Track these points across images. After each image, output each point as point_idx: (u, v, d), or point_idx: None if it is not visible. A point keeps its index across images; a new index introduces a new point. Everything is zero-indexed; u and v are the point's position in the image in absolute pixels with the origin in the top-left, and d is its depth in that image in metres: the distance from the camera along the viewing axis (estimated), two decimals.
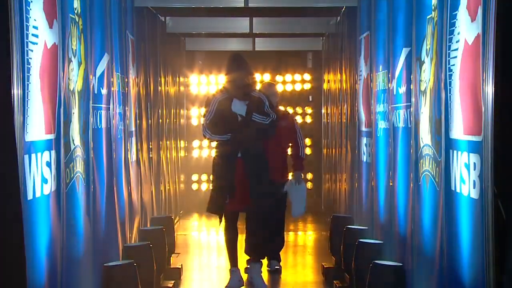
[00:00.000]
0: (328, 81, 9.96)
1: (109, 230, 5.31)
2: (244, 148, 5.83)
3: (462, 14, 3.60)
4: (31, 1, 3.43)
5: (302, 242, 8.77)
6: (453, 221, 3.76)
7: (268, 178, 5.94)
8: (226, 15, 8.67)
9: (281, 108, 7.86)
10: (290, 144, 6.66)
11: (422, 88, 4.47)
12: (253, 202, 5.88)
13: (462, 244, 3.64)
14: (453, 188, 3.75)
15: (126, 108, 6.19)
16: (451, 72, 3.79)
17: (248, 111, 5.79)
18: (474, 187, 3.42)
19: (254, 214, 5.97)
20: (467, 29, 3.54)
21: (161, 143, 8.34)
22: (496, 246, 3.19)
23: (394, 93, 5.33)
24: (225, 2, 7.39)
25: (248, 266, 6.26)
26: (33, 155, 3.44)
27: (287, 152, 6.69)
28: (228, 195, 5.86)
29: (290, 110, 10.55)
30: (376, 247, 5.47)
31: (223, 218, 6.02)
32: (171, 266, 6.57)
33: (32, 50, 3.44)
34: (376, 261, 4.96)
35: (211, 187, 6.15)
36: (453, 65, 3.76)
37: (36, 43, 3.52)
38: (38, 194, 3.51)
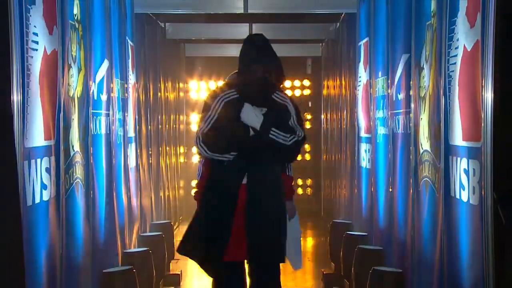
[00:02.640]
0: (328, 87, 9.97)
1: (109, 236, 5.30)
2: (253, 174, 3.99)
3: (461, 21, 3.61)
4: (31, 8, 3.44)
5: (302, 248, 8.76)
6: (453, 227, 3.76)
7: (285, 214, 4.13)
8: (226, 21, 8.69)
9: None
10: None
11: (422, 94, 4.47)
12: (266, 250, 4.03)
13: (461, 250, 3.64)
14: (452, 194, 3.75)
15: (126, 114, 6.19)
16: (450, 78, 3.80)
17: (266, 123, 3.92)
18: (473, 193, 3.42)
19: (267, 266, 4.12)
20: (466, 35, 3.54)
21: (160, 149, 8.34)
22: (496, 252, 3.19)
23: (394, 99, 5.34)
24: (225, 8, 7.40)
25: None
26: (32, 161, 3.44)
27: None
28: (223, 239, 3.98)
29: None
30: (376, 253, 5.47)
31: (212, 273, 4.18)
32: (171, 272, 6.56)
33: (32, 57, 3.45)
34: (376, 267, 4.96)
35: (190, 222, 4.21)
36: (452, 71, 3.76)
37: (36, 50, 3.53)
38: (37, 200, 3.50)
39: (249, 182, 3.97)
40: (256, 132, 3.94)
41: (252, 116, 3.93)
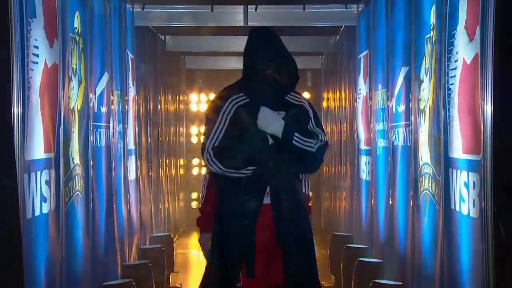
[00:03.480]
0: (328, 99, 9.98)
1: (108, 249, 5.29)
2: (277, 191, 3.39)
3: (461, 34, 3.62)
4: (32, 21, 3.45)
5: None
6: (453, 240, 3.75)
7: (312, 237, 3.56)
8: (226, 34, 8.71)
9: None
10: None
11: (421, 107, 4.48)
12: (304, 276, 3.49)
13: (462, 263, 3.63)
14: (452, 207, 3.74)
15: (126, 126, 6.20)
16: (450, 91, 3.80)
17: (288, 128, 3.37)
18: (473, 206, 3.42)
19: None
20: (465, 48, 3.55)
21: (160, 161, 8.34)
22: (496, 265, 3.19)
23: (393, 111, 5.35)
24: (225, 21, 7.43)
25: None
26: (32, 174, 3.44)
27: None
28: (245, 269, 3.39)
29: None
30: (376, 266, 5.46)
31: None
32: (170, 285, 6.54)
33: (32, 70, 3.46)
34: (376, 280, 4.94)
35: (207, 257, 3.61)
36: (452, 84, 3.77)
37: (37, 63, 3.54)
38: (37, 213, 3.50)
39: (274, 201, 3.37)
40: (275, 140, 3.35)
41: (271, 121, 3.33)
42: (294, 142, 3.35)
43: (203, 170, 10.76)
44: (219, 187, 3.47)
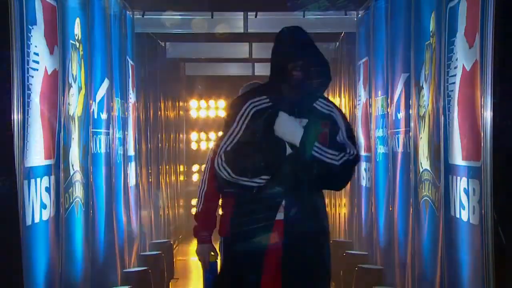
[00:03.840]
0: None
1: (108, 256, 5.28)
2: (291, 206, 3.06)
3: (460, 41, 3.63)
4: (32, 28, 3.46)
5: None
6: (453, 246, 3.75)
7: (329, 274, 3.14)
8: (226, 41, 8.73)
9: None
10: None
11: (421, 113, 4.48)
12: None
13: (462, 270, 3.63)
14: (452, 214, 3.74)
15: (126, 133, 6.20)
16: (450, 98, 3.81)
17: (307, 137, 3.04)
18: (473, 213, 3.42)
19: None
20: (465, 55, 3.56)
21: (160, 167, 8.34)
22: (496, 271, 3.18)
23: (393, 118, 5.35)
24: (225, 28, 7.44)
25: None
26: (32, 181, 3.44)
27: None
28: None
29: None
30: (376, 273, 5.45)
31: None
32: None
33: (32, 76, 3.46)
34: (376, 287, 4.94)
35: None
36: (452, 90, 3.78)
37: (37, 69, 3.54)
38: (37, 220, 3.50)
39: (287, 218, 3.02)
40: (294, 149, 3.02)
41: (290, 128, 3.01)
42: (314, 153, 3.00)
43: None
44: (226, 195, 3.21)
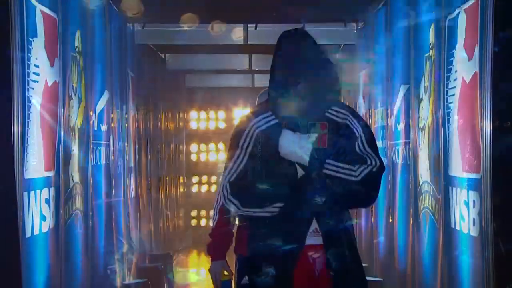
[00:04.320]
0: None
1: (108, 267, 5.27)
2: (320, 229, 2.73)
3: (459, 53, 3.64)
4: (33, 40, 3.47)
5: None
6: (453, 258, 3.74)
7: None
8: (226, 52, 8.75)
9: None
10: None
11: (421, 125, 4.48)
12: None
13: (462, 282, 3.62)
14: (452, 226, 3.74)
15: (126, 144, 6.20)
16: (449, 110, 3.81)
17: (316, 154, 2.68)
18: (473, 225, 3.41)
19: None
20: (464, 67, 3.57)
21: (160, 179, 8.34)
22: (496, 284, 3.17)
23: (393, 129, 5.35)
24: (225, 39, 7.46)
25: None
26: (32, 192, 3.43)
27: None
28: None
29: None
30: (376, 285, 5.43)
31: None
32: None
33: (33, 88, 3.47)
34: None
35: None
36: (451, 102, 3.78)
37: (37, 81, 3.55)
38: (36, 232, 3.49)
39: (325, 242, 2.71)
40: (305, 169, 2.67)
41: (293, 147, 2.66)
42: (326, 171, 2.65)
43: (195, 188, 10.77)
44: (240, 219, 3.01)
